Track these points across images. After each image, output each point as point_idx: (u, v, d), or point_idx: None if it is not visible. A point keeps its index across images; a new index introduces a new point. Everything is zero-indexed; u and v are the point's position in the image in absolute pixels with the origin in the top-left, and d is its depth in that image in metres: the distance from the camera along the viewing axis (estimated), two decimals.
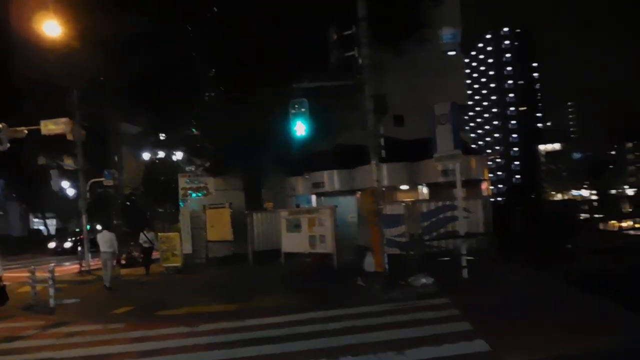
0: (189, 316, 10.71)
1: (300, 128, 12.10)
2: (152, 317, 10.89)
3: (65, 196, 38.11)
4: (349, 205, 19.94)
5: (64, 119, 21.22)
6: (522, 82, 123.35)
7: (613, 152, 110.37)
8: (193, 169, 23.05)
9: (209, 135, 20.34)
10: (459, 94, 26.75)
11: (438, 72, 24.93)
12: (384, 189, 17.39)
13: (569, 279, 10.92)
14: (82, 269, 21.00)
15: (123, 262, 22.06)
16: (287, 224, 17.70)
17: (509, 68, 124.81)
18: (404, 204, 15.51)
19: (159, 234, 20.81)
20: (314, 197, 19.98)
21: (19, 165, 36.20)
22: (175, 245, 19.74)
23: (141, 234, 18.37)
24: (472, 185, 17.91)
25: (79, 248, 22.36)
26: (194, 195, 21.21)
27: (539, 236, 14.62)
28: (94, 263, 22.20)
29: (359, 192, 19.16)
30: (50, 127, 21.38)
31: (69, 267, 23.47)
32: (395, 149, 18.86)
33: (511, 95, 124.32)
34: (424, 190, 18.15)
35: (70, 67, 20.31)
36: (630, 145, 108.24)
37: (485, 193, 17.44)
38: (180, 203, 21.02)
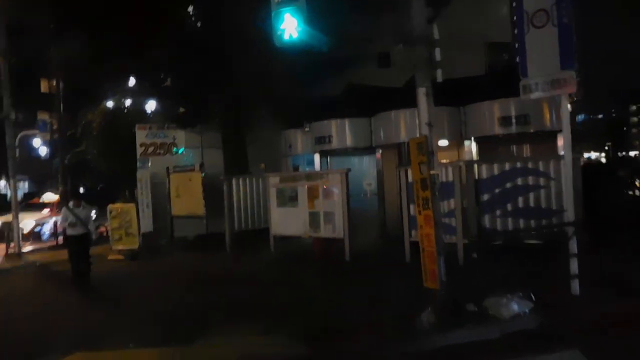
0: None
1: (289, 25, 6.63)
2: None
3: (38, 156, 33.47)
4: (364, 168, 14.68)
5: None
6: None
7: (613, 115, 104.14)
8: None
9: (175, 69, 14.84)
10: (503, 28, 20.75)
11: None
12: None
13: None
14: (10, 251, 15.87)
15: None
16: (278, 195, 12.39)
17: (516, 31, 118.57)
18: (451, 167, 10.19)
19: (111, 205, 15.56)
20: (317, 157, 14.65)
21: None
22: (131, 221, 14.65)
23: (64, 210, 10.96)
24: (543, 139, 12.55)
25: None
26: (178, 151, 16.08)
27: None
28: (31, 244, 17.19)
29: (380, 150, 13.86)
30: None
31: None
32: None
33: None
34: (473, 147, 12.76)
35: None
36: (634, 108, 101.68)
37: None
38: (138, 164, 15.74)
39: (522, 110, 11.63)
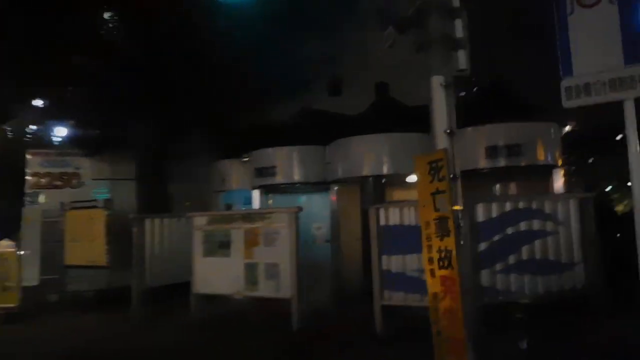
0: None
1: None
2: None
3: None
4: (314, 209, 12.03)
5: None
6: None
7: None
8: None
9: (81, 78, 11.76)
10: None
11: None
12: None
13: None
14: None
15: None
16: (204, 241, 9.45)
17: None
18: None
19: None
20: (256, 194, 11.90)
21: None
22: (9, 271, 11.17)
23: None
24: (537, 175, 10.48)
25: None
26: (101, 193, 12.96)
27: None
28: None
29: (336, 187, 11.32)
30: None
31: None
32: (398, 116, 11.27)
33: None
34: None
35: None
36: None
37: (562, 190, 9.99)
38: (26, 199, 12.40)
39: (513, 139, 9.53)
